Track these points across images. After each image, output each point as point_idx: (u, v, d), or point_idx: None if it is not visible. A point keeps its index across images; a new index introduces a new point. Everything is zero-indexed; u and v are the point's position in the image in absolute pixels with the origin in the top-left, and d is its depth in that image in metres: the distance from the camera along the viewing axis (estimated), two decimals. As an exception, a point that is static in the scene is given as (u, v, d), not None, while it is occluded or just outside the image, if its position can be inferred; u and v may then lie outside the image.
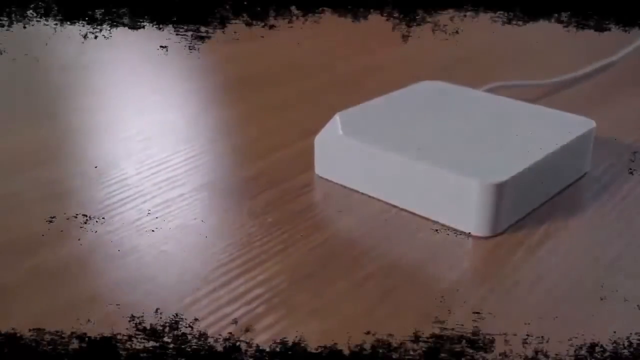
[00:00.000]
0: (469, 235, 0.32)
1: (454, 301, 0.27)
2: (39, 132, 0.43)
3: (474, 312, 0.26)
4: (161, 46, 0.59)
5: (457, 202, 0.31)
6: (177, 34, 0.52)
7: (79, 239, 0.31)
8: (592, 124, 0.36)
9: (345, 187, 0.36)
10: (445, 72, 0.53)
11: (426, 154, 0.33)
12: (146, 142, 0.41)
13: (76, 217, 0.33)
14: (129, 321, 0.26)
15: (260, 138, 0.42)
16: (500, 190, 0.31)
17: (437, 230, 0.32)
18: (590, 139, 0.36)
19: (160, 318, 0.26)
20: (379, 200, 0.35)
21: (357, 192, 0.35)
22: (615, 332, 0.25)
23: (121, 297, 0.27)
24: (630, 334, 0.25)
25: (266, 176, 0.37)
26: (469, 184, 0.31)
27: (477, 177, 0.31)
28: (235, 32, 0.59)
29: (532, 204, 0.33)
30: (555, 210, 0.34)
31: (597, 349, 0.25)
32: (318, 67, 0.55)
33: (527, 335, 0.25)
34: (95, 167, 0.38)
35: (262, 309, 0.27)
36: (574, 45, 0.59)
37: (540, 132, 0.35)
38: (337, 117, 0.37)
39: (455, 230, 0.32)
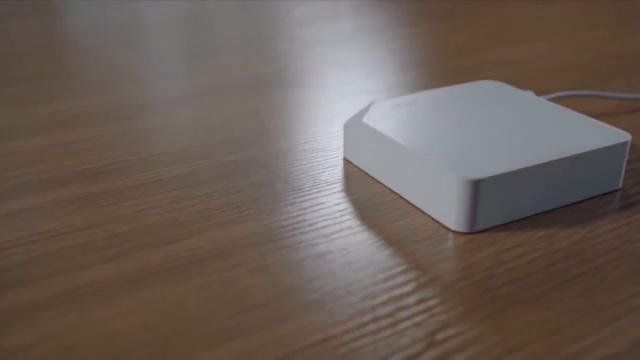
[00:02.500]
0: (448, 229, 0.32)
1: (386, 284, 0.28)
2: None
3: (394, 298, 0.27)
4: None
5: (441, 196, 0.32)
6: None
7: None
8: (626, 137, 0.34)
9: (362, 170, 0.37)
10: (559, 73, 0.51)
11: (427, 146, 0.33)
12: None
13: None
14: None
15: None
16: (477, 187, 0.30)
17: (419, 220, 0.32)
18: (623, 153, 0.34)
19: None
20: (384, 185, 0.35)
21: (369, 176, 0.36)
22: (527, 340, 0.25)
23: (105, 231, 0.31)
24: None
25: (292, 152, 0.39)
26: (449, 178, 0.31)
27: (457, 172, 0.31)
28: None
29: (532, 208, 0.32)
30: (557, 218, 0.32)
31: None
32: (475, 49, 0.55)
33: (436, 330, 0.25)
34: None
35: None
36: None
37: (563, 138, 0.34)
38: (370, 105, 0.38)
39: (437, 223, 0.32)
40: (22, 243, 0.31)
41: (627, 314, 0.26)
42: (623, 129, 0.42)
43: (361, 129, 0.36)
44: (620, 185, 0.35)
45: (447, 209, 0.31)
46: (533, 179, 0.32)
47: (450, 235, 0.31)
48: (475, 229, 0.31)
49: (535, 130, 0.35)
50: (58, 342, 0.25)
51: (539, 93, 0.47)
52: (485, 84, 0.41)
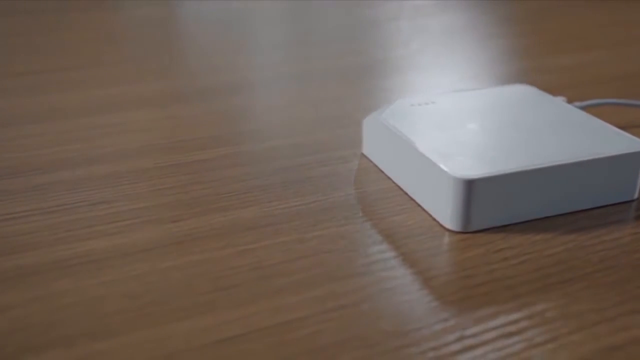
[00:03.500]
0: (443, 228, 0.32)
1: (364, 274, 0.28)
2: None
3: (368, 287, 0.27)
4: None
5: (438, 194, 0.32)
6: None
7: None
8: (642, 146, 0.33)
9: (376, 165, 0.38)
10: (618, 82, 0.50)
11: (432, 145, 0.33)
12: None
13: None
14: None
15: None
16: (470, 187, 0.30)
17: (417, 217, 0.32)
18: (638, 162, 0.33)
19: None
20: (392, 181, 0.36)
21: (381, 171, 0.37)
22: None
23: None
24: None
25: (315, 145, 0.40)
26: (445, 176, 0.31)
27: (452, 170, 0.31)
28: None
29: (534, 212, 0.32)
30: (559, 224, 0.32)
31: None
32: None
33: (399, 322, 0.26)
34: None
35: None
36: None
37: (575, 144, 0.33)
38: (394, 102, 0.39)
39: (435, 221, 0.32)
40: (41, 213, 0.33)
41: (600, 323, 0.25)
42: (658, 140, 0.40)
43: (376, 125, 0.37)
44: (635, 196, 0.34)
45: (443, 207, 0.31)
46: (534, 183, 0.31)
47: (444, 233, 0.31)
48: (470, 229, 0.31)
49: (549, 135, 0.34)
50: (44, 304, 0.27)
51: (573, 100, 0.46)
52: (515, 88, 0.40)
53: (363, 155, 0.39)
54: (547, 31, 0.65)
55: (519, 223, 0.32)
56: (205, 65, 0.55)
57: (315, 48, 0.59)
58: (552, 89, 0.49)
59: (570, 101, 0.46)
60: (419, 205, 0.33)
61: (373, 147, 0.38)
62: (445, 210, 0.31)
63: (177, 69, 0.54)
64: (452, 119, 0.36)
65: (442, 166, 0.31)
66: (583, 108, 0.41)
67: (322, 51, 0.58)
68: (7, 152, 0.40)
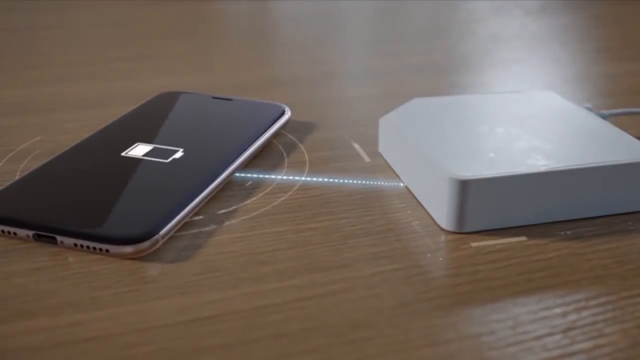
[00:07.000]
0: (439, 228, 0.32)
1: (345, 266, 0.29)
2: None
3: (347, 280, 0.28)
4: None
5: (436, 194, 0.32)
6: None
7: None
8: (653, 156, 0.32)
9: (387, 163, 0.38)
10: None
11: (436, 145, 0.33)
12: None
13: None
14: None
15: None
16: (464, 188, 0.30)
17: (415, 215, 0.33)
18: (648, 172, 0.32)
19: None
20: (400, 179, 0.36)
21: (392, 169, 0.37)
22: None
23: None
24: None
25: (336, 141, 0.41)
26: (441, 176, 0.31)
27: (448, 171, 0.31)
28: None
29: (535, 216, 0.32)
30: (558, 230, 0.31)
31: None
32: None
33: (362, 316, 0.26)
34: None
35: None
36: None
37: (583, 150, 0.33)
38: (409, 101, 0.39)
39: (432, 221, 0.32)
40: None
41: (571, 329, 0.25)
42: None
43: (387, 123, 0.37)
44: (647, 207, 0.33)
45: (440, 207, 0.32)
46: (532, 187, 0.31)
47: (438, 232, 0.31)
48: (465, 230, 0.31)
49: (557, 140, 0.34)
50: (45, 275, 0.28)
51: (600, 108, 0.45)
52: (536, 94, 0.40)
53: (378, 154, 0.39)
54: (606, 39, 0.63)
55: (516, 227, 0.32)
56: (276, 59, 0.56)
57: (402, 45, 0.60)
58: (595, 97, 0.48)
59: (597, 109, 0.45)
60: (420, 204, 0.34)
61: (386, 145, 0.38)
62: (441, 209, 0.32)
63: (223, 64, 0.56)
64: (463, 121, 0.36)
65: (439, 166, 0.31)
66: (607, 117, 0.40)
67: (408, 48, 0.59)
68: (56, 134, 0.42)
